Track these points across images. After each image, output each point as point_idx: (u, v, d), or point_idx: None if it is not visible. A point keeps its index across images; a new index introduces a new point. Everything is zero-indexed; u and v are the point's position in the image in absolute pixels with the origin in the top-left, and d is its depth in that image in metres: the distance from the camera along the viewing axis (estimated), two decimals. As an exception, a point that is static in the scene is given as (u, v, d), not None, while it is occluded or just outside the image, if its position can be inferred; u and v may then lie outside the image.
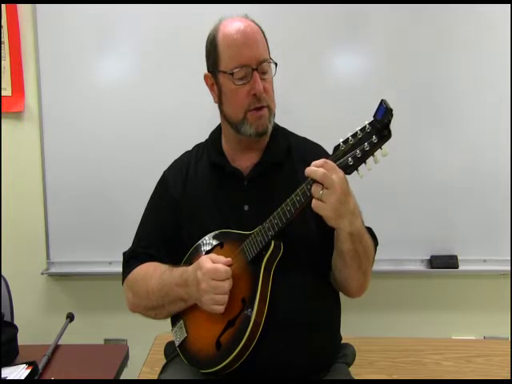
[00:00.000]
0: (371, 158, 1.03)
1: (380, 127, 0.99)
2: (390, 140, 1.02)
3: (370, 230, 1.27)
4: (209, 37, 1.30)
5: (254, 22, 1.29)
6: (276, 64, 1.28)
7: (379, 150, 1.02)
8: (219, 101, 1.32)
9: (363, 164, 1.04)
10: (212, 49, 1.28)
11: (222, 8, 1.78)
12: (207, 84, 1.34)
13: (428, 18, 1.92)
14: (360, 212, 1.14)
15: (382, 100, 1.00)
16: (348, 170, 1.05)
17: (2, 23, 1.99)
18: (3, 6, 1.97)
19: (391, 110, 0.98)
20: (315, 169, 1.05)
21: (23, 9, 2.00)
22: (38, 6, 1.97)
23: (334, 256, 1.23)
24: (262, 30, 1.29)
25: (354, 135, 1.03)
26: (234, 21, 1.27)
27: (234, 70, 1.23)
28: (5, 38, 2.00)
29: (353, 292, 1.29)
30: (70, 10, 1.96)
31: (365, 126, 1.02)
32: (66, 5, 1.95)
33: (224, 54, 1.25)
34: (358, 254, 1.16)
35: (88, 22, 1.97)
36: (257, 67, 1.23)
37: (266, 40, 1.29)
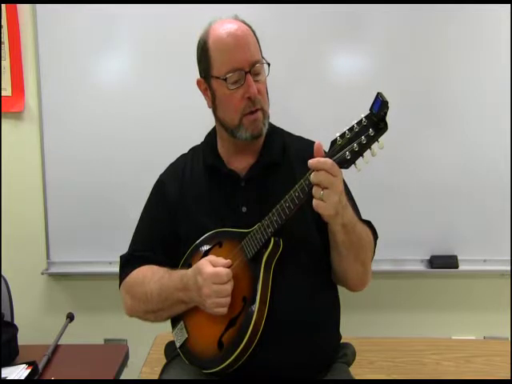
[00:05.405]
0: (368, 151, 1.03)
1: (376, 120, 0.99)
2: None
3: (369, 224, 1.28)
4: (199, 42, 1.29)
5: (244, 22, 1.27)
6: (269, 64, 1.26)
7: (376, 142, 1.02)
8: (213, 106, 1.31)
9: (360, 157, 1.04)
10: (203, 54, 1.27)
11: (223, 8, 1.78)
12: (200, 89, 1.33)
13: (428, 18, 1.91)
14: (347, 203, 1.13)
15: (378, 93, 0.99)
16: (346, 164, 1.04)
17: (2, 23, 1.99)
18: (3, 6, 1.97)
19: (387, 102, 0.97)
20: (315, 171, 1.04)
21: (23, 9, 2.00)
22: (38, 5, 1.97)
23: (331, 250, 1.23)
24: (252, 30, 1.27)
25: (351, 129, 1.03)
26: (223, 23, 1.25)
27: (226, 75, 1.22)
28: (5, 38, 2.00)
29: (353, 285, 1.29)
30: (70, 10, 1.96)
31: (361, 120, 1.01)
32: (65, 5, 1.95)
33: (216, 59, 1.24)
34: (352, 244, 1.17)
35: (88, 22, 1.97)
36: (250, 70, 1.22)
37: (257, 40, 1.27)
